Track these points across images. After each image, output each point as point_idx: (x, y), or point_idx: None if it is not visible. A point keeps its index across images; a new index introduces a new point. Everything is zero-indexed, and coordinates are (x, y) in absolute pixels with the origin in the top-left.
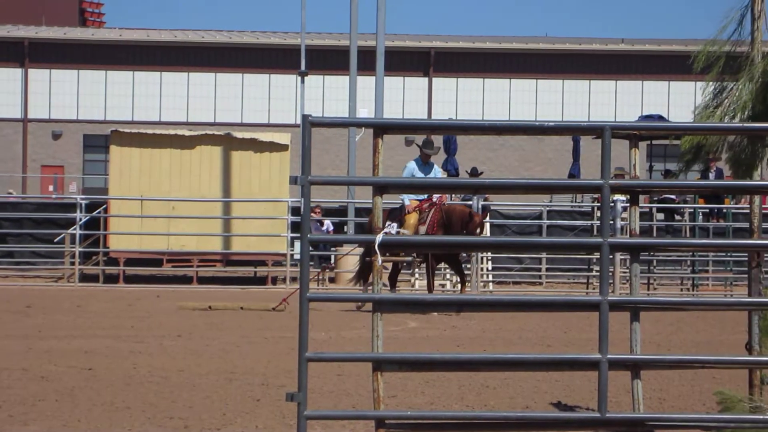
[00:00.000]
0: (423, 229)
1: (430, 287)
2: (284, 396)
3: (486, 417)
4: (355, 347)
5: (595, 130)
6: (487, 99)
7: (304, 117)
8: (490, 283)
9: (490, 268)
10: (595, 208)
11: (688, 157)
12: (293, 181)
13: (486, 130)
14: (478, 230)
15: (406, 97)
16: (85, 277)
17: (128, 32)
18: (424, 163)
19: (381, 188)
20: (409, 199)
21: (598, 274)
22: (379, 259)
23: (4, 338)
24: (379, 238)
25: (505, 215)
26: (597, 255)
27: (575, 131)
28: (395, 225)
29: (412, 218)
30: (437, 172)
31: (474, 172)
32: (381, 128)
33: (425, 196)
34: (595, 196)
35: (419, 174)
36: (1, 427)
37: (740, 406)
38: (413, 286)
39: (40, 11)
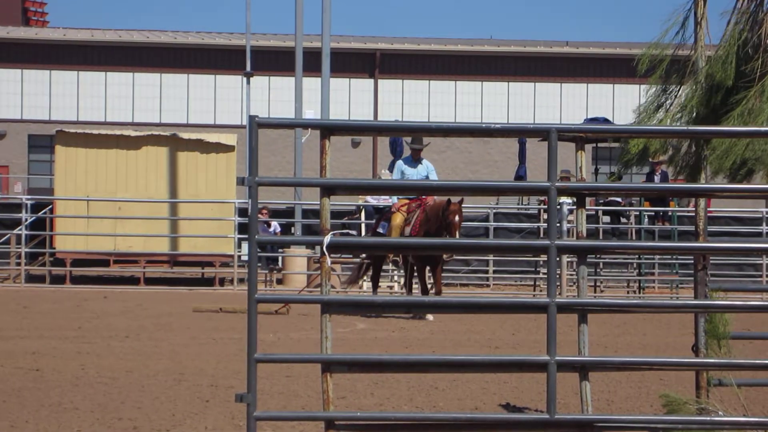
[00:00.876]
0: (408, 230)
1: (421, 290)
2: (233, 397)
3: (436, 418)
4: (303, 348)
5: (542, 132)
6: (432, 101)
7: (251, 118)
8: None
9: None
10: (542, 211)
11: (627, 158)
12: (241, 182)
13: (433, 131)
14: (456, 217)
15: (352, 98)
16: (31, 278)
17: (72, 32)
18: (414, 160)
19: (329, 189)
20: (397, 199)
21: (544, 276)
22: (329, 260)
23: None
24: (326, 239)
25: None
26: (544, 257)
27: (522, 133)
28: (386, 225)
29: (397, 218)
30: (429, 169)
31: None
32: (328, 129)
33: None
34: (542, 198)
35: (408, 171)
36: None
37: (685, 408)
38: (361, 287)
39: None
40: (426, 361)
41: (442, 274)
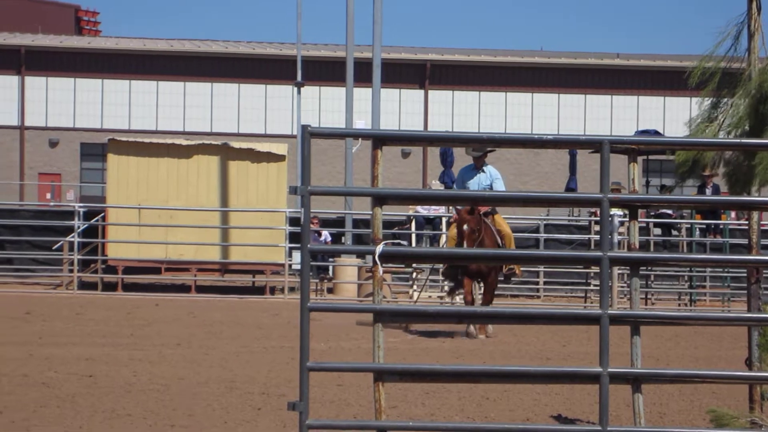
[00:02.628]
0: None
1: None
2: (285, 405)
3: (487, 429)
4: (354, 357)
5: (594, 144)
6: (482, 112)
7: (304, 127)
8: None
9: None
10: (592, 222)
11: (683, 169)
12: (293, 191)
13: (484, 142)
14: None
15: (402, 109)
16: (83, 285)
17: (125, 41)
18: (476, 168)
19: (381, 199)
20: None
21: (595, 288)
22: (381, 269)
23: (4, 345)
24: (379, 249)
25: None
26: (595, 269)
27: (574, 145)
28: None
29: (452, 230)
30: (493, 176)
31: None
32: (380, 139)
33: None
34: (593, 210)
35: (467, 180)
36: None
37: (736, 422)
38: (411, 297)
39: (36, 19)
40: (477, 372)
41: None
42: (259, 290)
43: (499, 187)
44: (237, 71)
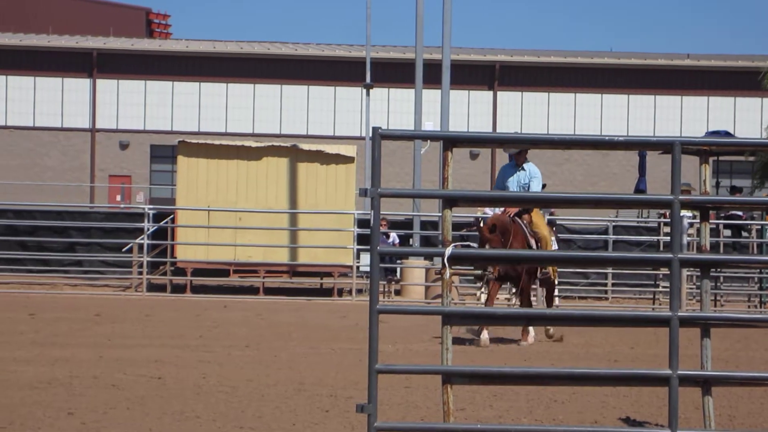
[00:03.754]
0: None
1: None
2: (353, 407)
3: (556, 431)
4: (422, 360)
5: (665, 146)
6: (552, 113)
7: (375, 129)
8: (556, 298)
9: (556, 283)
10: (662, 224)
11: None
12: (363, 193)
13: (555, 144)
14: (524, 218)
15: (471, 110)
16: (152, 287)
17: (195, 43)
18: (517, 165)
19: (451, 201)
20: (493, 211)
21: (663, 289)
22: (449, 271)
23: (74, 346)
24: (448, 251)
25: (570, 230)
26: (664, 271)
27: (645, 146)
28: None
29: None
30: (532, 174)
31: None
32: (450, 141)
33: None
34: (662, 211)
35: (507, 179)
36: None
37: None
38: (479, 299)
39: (108, 22)
40: (546, 374)
41: (559, 288)
42: (326, 292)
43: (535, 186)
44: (306, 73)
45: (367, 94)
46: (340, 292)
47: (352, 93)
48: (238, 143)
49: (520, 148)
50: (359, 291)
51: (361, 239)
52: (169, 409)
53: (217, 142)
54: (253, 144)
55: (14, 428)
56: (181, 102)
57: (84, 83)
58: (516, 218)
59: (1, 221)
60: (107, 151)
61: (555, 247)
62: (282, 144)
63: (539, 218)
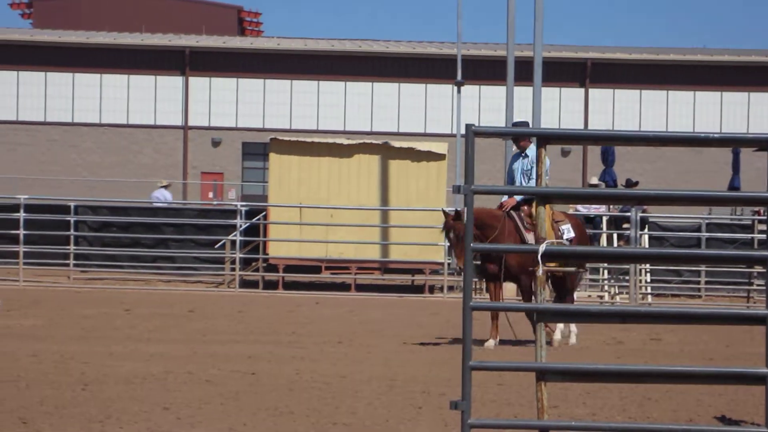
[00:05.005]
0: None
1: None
2: (446, 404)
3: (650, 429)
4: (514, 357)
5: (761, 143)
6: (644, 110)
7: (468, 126)
8: (649, 296)
9: (648, 280)
10: (756, 221)
11: None
12: (456, 190)
13: (650, 140)
14: (520, 211)
15: (562, 107)
16: (245, 283)
17: (286, 41)
18: (520, 151)
19: (545, 198)
20: (586, 209)
21: (759, 287)
22: (541, 269)
23: (168, 342)
24: (542, 248)
25: (663, 227)
26: (759, 268)
27: (740, 143)
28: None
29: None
30: (533, 159)
31: (629, 183)
32: (544, 138)
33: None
34: (756, 209)
35: (512, 164)
36: (170, 429)
37: None
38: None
39: (200, 21)
40: (640, 372)
41: (653, 285)
42: (418, 289)
43: (535, 173)
44: (397, 71)
45: (458, 91)
46: (432, 289)
47: (443, 90)
48: (330, 140)
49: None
50: (450, 288)
51: None
52: (263, 405)
53: (308, 140)
54: (345, 141)
55: (111, 422)
56: (273, 99)
57: (177, 81)
58: (512, 212)
59: (97, 218)
60: (200, 148)
61: (568, 237)
62: (373, 141)
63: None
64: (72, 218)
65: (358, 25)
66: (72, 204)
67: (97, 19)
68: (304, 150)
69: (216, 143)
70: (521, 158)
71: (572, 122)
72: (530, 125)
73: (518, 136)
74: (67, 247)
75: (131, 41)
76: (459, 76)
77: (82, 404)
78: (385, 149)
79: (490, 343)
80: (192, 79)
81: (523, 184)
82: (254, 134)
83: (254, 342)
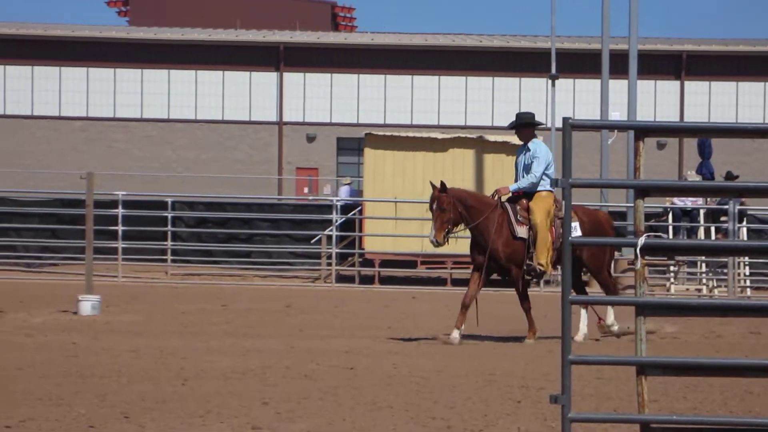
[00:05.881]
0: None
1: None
2: (544, 398)
3: (753, 423)
4: (612, 351)
5: None
6: (740, 102)
7: (565, 120)
8: (748, 289)
9: (747, 273)
10: None
11: None
12: (554, 183)
13: (749, 133)
14: (520, 203)
15: (657, 100)
16: (341, 278)
17: (380, 36)
18: (524, 143)
19: (643, 191)
20: (682, 202)
21: None
22: (641, 262)
23: (266, 337)
24: (640, 241)
25: (761, 219)
26: None
27: None
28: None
29: None
30: (535, 155)
31: (729, 176)
32: (642, 131)
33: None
34: None
35: (518, 157)
36: (270, 424)
37: None
38: (668, 290)
39: (294, 17)
40: (741, 365)
41: (752, 278)
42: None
43: (536, 167)
44: (491, 65)
45: (553, 85)
46: (528, 283)
47: (537, 84)
48: (425, 135)
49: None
50: (546, 282)
51: None
52: (362, 399)
53: (403, 134)
54: (439, 135)
55: (211, 417)
56: (367, 95)
57: (271, 77)
58: (506, 204)
59: (193, 213)
60: (294, 143)
61: (577, 233)
62: (468, 135)
63: (538, 204)
64: (169, 214)
65: (450, 19)
66: (169, 200)
67: (191, 15)
68: (399, 145)
69: (311, 139)
70: (524, 152)
71: (667, 115)
72: (535, 116)
73: (521, 129)
74: (165, 243)
75: (226, 37)
76: (553, 70)
77: (182, 399)
78: (480, 143)
79: (455, 334)
80: (286, 75)
81: (524, 177)
82: (349, 129)
83: (351, 337)
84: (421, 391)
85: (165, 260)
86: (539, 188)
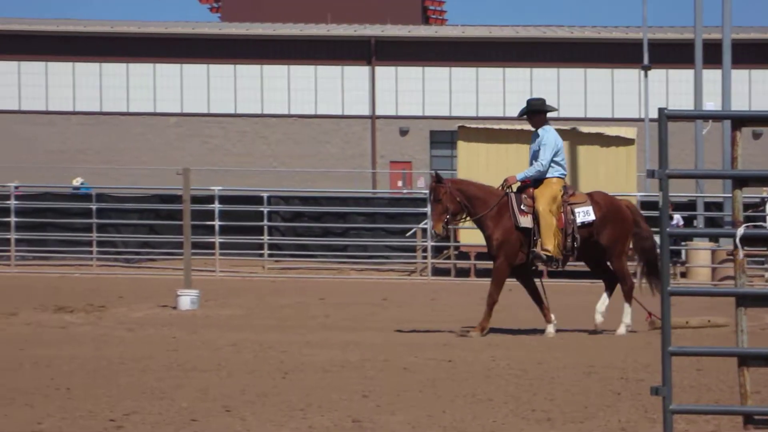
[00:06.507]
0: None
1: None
2: (645, 390)
3: None
4: (712, 342)
5: None
6: None
7: (660, 110)
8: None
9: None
10: None
11: None
12: (650, 174)
13: None
14: (527, 191)
15: (752, 89)
16: (437, 271)
17: (471, 29)
18: (535, 130)
19: (741, 181)
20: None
21: None
22: (741, 253)
23: (363, 330)
24: (740, 231)
25: None
26: None
27: None
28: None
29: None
30: (542, 141)
31: None
32: (739, 121)
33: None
34: None
35: (530, 148)
36: (370, 417)
37: None
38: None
39: (384, 11)
40: None
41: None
42: None
43: (543, 155)
44: (583, 56)
45: (645, 75)
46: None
47: (630, 75)
48: (518, 127)
49: (527, 110)
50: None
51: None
52: (461, 392)
53: (496, 126)
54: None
55: (312, 410)
56: (459, 87)
57: (363, 71)
58: (511, 194)
59: (289, 208)
60: (387, 137)
61: (584, 221)
62: (561, 127)
63: (543, 191)
64: (265, 209)
65: (541, 11)
66: (265, 194)
67: (282, 10)
68: (492, 137)
69: (404, 132)
70: (535, 139)
71: (762, 105)
72: (546, 101)
73: (533, 115)
74: (261, 237)
75: (317, 32)
76: (646, 60)
77: (283, 392)
78: (574, 135)
79: (550, 329)
80: (378, 69)
81: (532, 164)
82: (441, 122)
83: (448, 330)
84: (520, 384)
85: (262, 255)
86: (549, 175)
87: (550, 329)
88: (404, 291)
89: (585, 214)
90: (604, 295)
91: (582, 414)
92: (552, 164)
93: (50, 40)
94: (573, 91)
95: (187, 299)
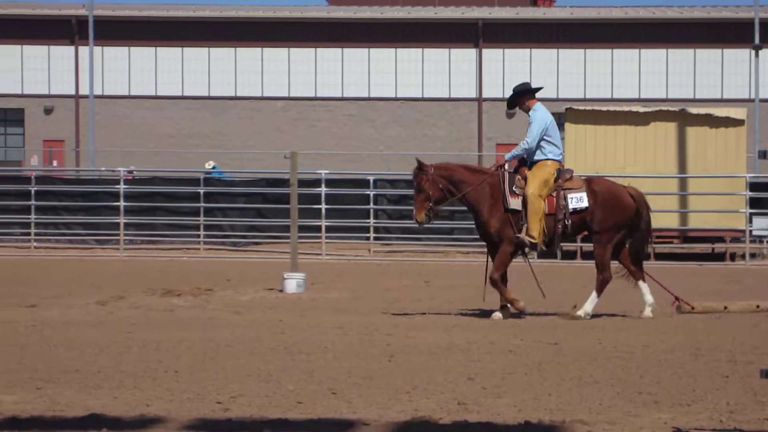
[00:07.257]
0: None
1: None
2: (754, 373)
3: None
4: None
5: None
6: None
7: None
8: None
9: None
10: None
11: None
12: (762, 155)
13: None
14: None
15: None
16: (543, 253)
17: (579, 10)
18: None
19: None
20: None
21: None
22: None
23: (469, 312)
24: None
25: None
26: None
27: None
28: None
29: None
30: (530, 118)
31: None
32: None
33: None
34: None
35: None
36: (476, 399)
37: None
38: None
39: None
40: None
41: None
42: (719, 257)
43: (529, 132)
44: (692, 36)
45: (756, 55)
46: (733, 257)
47: (740, 55)
48: (626, 109)
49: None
50: (752, 255)
51: (754, 203)
52: (567, 375)
53: (604, 108)
54: (641, 109)
55: (417, 393)
56: (566, 69)
57: (470, 53)
58: (506, 174)
59: (395, 191)
60: (494, 120)
61: (576, 207)
62: (670, 108)
63: (534, 173)
64: (371, 192)
65: None
66: (371, 178)
67: None
68: (600, 119)
69: (510, 115)
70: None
71: None
72: (530, 83)
73: (518, 99)
74: (367, 221)
75: (425, 15)
76: (757, 40)
77: (389, 375)
78: (682, 116)
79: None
80: (485, 51)
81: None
82: (548, 104)
83: (554, 312)
84: (626, 366)
85: (368, 238)
86: (543, 157)
87: (497, 314)
88: (510, 273)
89: (578, 200)
90: (640, 283)
91: (689, 397)
92: (546, 144)
93: (159, 26)
94: (682, 71)
95: (293, 282)
